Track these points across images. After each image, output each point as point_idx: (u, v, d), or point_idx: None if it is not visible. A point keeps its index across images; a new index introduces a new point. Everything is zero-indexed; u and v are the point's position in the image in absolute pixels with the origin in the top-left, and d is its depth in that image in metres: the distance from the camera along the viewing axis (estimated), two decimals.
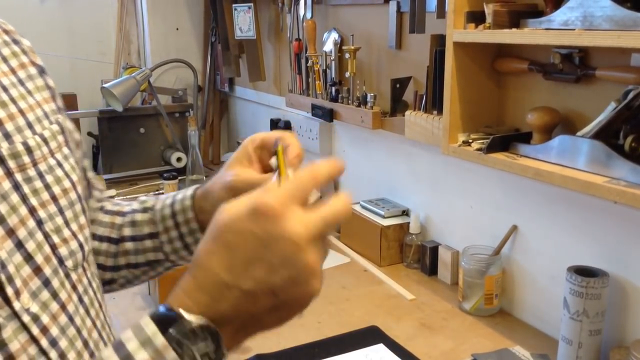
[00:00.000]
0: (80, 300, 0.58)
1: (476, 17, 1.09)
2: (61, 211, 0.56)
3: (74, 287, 0.57)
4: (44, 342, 0.51)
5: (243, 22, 2.12)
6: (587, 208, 1.08)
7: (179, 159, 2.30)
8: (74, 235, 0.58)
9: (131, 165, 2.31)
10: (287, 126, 2.05)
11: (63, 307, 0.54)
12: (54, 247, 0.55)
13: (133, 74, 2.18)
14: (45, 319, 0.52)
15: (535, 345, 1.14)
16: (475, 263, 1.25)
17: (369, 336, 1.18)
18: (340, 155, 1.86)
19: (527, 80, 1.15)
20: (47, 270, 0.54)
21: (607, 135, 0.95)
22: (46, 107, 0.59)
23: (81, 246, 0.59)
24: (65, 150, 0.59)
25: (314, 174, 0.50)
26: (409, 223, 1.51)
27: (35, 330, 0.51)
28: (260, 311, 0.47)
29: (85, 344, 0.57)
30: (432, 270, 1.45)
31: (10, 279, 0.49)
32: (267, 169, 0.68)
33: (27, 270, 0.51)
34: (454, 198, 1.41)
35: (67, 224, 0.57)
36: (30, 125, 0.55)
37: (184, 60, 2.42)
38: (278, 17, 2.03)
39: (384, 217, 1.53)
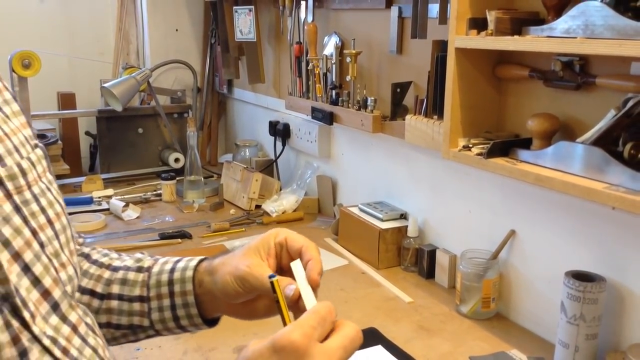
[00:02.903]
0: (86, 323, 0.57)
1: (478, 24, 1.10)
2: (57, 235, 0.54)
3: (77, 311, 0.56)
4: None
5: (243, 25, 2.13)
6: (585, 214, 1.10)
7: (176, 160, 2.30)
8: (69, 260, 0.55)
9: (129, 165, 2.31)
10: (286, 128, 2.06)
11: (74, 329, 0.54)
12: (57, 270, 0.53)
13: (133, 74, 2.18)
14: (62, 341, 0.51)
15: (532, 348, 1.15)
16: (473, 267, 1.26)
17: (368, 338, 1.18)
18: (339, 159, 1.87)
19: (528, 87, 1.16)
20: (56, 294, 0.52)
21: (606, 142, 0.97)
22: (25, 132, 0.56)
23: (75, 272, 0.57)
24: (49, 175, 0.57)
25: (331, 310, 0.53)
26: (407, 226, 1.52)
27: (57, 353, 0.50)
28: None
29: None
30: (429, 273, 1.46)
31: (24, 304, 0.48)
32: (281, 268, 0.68)
33: (35, 294, 0.50)
34: (452, 202, 1.43)
35: (62, 248, 0.54)
36: (17, 149, 0.53)
37: (184, 62, 2.43)
38: (278, 20, 2.04)
39: (382, 220, 1.54)
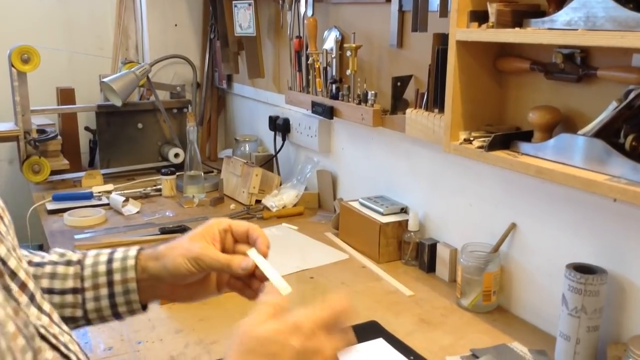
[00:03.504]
0: (56, 313, 0.59)
1: (479, 16, 1.10)
2: (8, 230, 0.56)
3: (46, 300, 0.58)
4: (63, 349, 0.55)
5: (243, 19, 2.12)
6: (586, 206, 1.10)
7: (176, 155, 2.30)
8: (21, 254, 0.58)
9: (129, 160, 2.31)
10: (286, 123, 2.06)
11: (50, 318, 0.56)
12: (19, 262, 0.55)
13: (132, 69, 2.18)
14: (50, 332, 0.54)
15: (533, 341, 1.15)
16: (474, 260, 1.27)
17: (369, 331, 1.19)
18: (339, 153, 1.87)
19: (529, 80, 1.16)
20: (31, 285, 0.54)
21: (607, 134, 0.97)
22: None
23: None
24: None
25: (340, 309, 0.62)
26: (407, 220, 1.52)
27: (54, 342, 0.54)
28: None
29: (79, 347, 0.60)
30: (430, 267, 1.46)
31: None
32: (225, 252, 0.75)
33: (14, 286, 0.52)
34: (453, 196, 1.43)
35: (16, 243, 0.57)
36: None
37: (184, 57, 2.42)
38: (278, 14, 2.04)
39: (382, 214, 1.54)
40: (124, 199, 1.91)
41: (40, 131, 2.17)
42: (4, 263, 0.51)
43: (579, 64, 1.04)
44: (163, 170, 2.06)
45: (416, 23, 1.35)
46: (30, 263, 0.73)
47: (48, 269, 0.73)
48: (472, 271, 1.26)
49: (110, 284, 0.74)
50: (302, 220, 1.83)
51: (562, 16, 0.97)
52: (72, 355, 0.55)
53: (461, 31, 1.11)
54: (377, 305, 1.30)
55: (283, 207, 1.88)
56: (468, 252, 1.28)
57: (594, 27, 0.91)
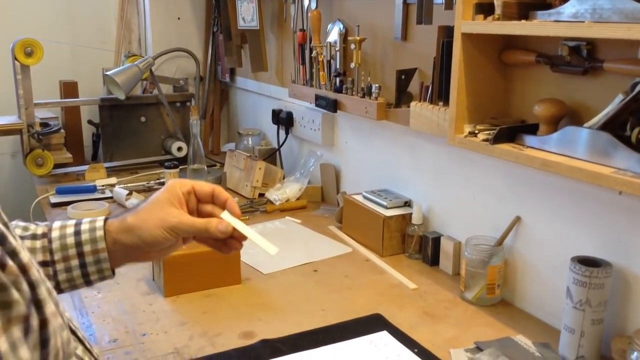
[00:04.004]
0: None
1: (485, 9, 1.10)
2: None
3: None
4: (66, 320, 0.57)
5: (246, 12, 2.12)
6: (591, 199, 1.10)
7: (179, 149, 2.30)
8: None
9: (132, 153, 2.31)
10: (289, 117, 2.06)
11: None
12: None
13: (136, 63, 2.18)
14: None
15: (537, 334, 1.15)
16: (478, 253, 1.27)
17: (373, 323, 1.19)
18: (343, 147, 1.87)
19: (534, 72, 1.16)
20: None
21: (614, 126, 0.96)
22: None
23: None
24: None
25: None
26: (411, 214, 1.52)
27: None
28: None
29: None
30: (433, 260, 1.46)
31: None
32: (190, 212, 0.79)
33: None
34: (457, 189, 1.43)
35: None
36: None
37: (187, 50, 2.42)
38: (282, 7, 2.03)
39: (386, 207, 1.54)
40: (127, 192, 1.91)
41: (44, 124, 2.17)
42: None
43: (585, 57, 1.04)
44: (166, 164, 2.06)
45: (421, 15, 1.34)
46: None
47: None
48: (476, 264, 1.26)
49: (80, 255, 0.77)
50: (306, 214, 1.83)
51: (568, 8, 0.96)
52: (79, 334, 0.60)
53: (467, 23, 1.10)
54: (381, 298, 1.31)
55: (286, 201, 1.88)
56: (472, 246, 1.28)
57: (601, 19, 0.90)
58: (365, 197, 1.62)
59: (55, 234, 0.77)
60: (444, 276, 1.42)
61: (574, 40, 1.04)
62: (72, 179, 2.15)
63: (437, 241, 1.46)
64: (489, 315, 1.23)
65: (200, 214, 0.80)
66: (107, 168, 2.19)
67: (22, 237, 0.76)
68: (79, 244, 0.77)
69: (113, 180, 2.08)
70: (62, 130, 2.20)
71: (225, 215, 0.78)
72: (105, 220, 0.79)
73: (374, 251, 1.54)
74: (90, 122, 2.50)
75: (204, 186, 0.80)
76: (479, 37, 1.12)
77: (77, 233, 0.77)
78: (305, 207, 1.88)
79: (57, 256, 0.76)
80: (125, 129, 2.30)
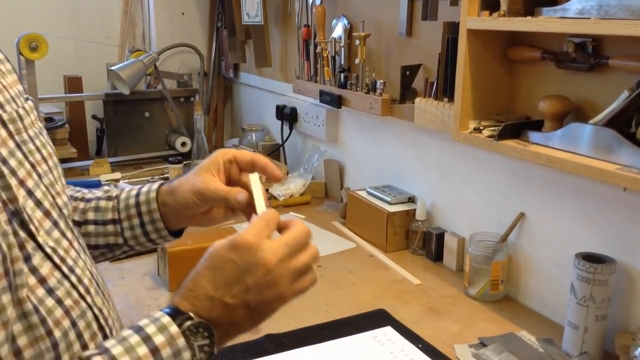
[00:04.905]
0: (79, 242, 0.68)
1: (490, 5, 1.10)
2: (50, 170, 0.65)
3: (73, 231, 0.67)
4: (65, 269, 0.61)
5: (251, 8, 2.12)
6: (595, 196, 1.10)
7: (183, 144, 2.30)
8: (63, 190, 0.67)
9: (136, 149, 2.32)
10: (293, 112, 2.06)
11: (71, 244, 0.65)
12: (54, 197, 0.64)
13: (140, 58, 2.18)
14: (60, 251, 0.62)
15: (541, 330, 1.16)
16: (482, 249, 1.27)
17: (377, 319, 1.19)
18: (347, 143, 1.87)
19: (539, 69, 1.16)
20: (54, 214, 0.63)
21: (619, 123, 0.97)
22: (17, 87, 0.66)
23: (69, 200, 0.69)
24: (39, 123, 0.67)
25: (276, 214, 0.67)
26: (415, 210, 1.52)
27: (56, 259, 0.60)
28: (238, 319, 0.63)
29: (92, 275, 0.67)
30: (437, 256, 1.47)
31: (30, 219, 0.58)
32: (230, 181, 0.80)
33: (39, 213, 0.60)
34: (461, 185, 1.43)
35: (56, 181, 0.66)
36: (13, 99, 0.63)
37: (192, 45, 2.42)
38: (286, 2, 2.03)
39: (390, 203, 1.55)
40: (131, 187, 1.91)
41: (48, 119, 2.17)
42: (31, 193, 0.60)
43: (590, 53, 1.04)
44: (170, 159, 2.06)
45: (426, 11, 1.34)
46: (82, 199, 0.85)
47: (93, 203, 0.84)
48: (480, 260, 1.27)
49: (139, 214, 0.83)
50: (309, 210, 1.84)
51: (574, 5, 0.96)
52: (73, 278, 0.62)
53: (472, 19, 1.10)
54: (385, 293, 1.31)
55: (290, 196, 1.88)
56: (476, 242, 1.28)
57: (607, 16, 0.91)
58: (369, 193, 1.63)
59: (123, 195, 0.85)
60: (448, 272, 1.42)
61: (580, 37, 1.04)
62: (76, 173, 2.15)
63: (441, 237, 1.46)
64: (492, 311, 1.24)
65: (241, 183, 0.81)
66: (111, 163, 2.19)
67: (100, 198, 0.84)
68: (137, 204, 0.83)
69: (117, 175, 2.09)
70: (67, 125, 2.21)
71: (254, 177, 0.76)
72: (162, 184, 0.85)
73: (378, 247, 1.54)
74: (94, 117, 2.50)
75: (244, 155, 0.81)
76: (485, 33, 1.12)
77: (138, 195, 0.84)
78: (309, 202, 1.89)
79: (122, 215, 0.84)
80: (130, 124, 2.30)
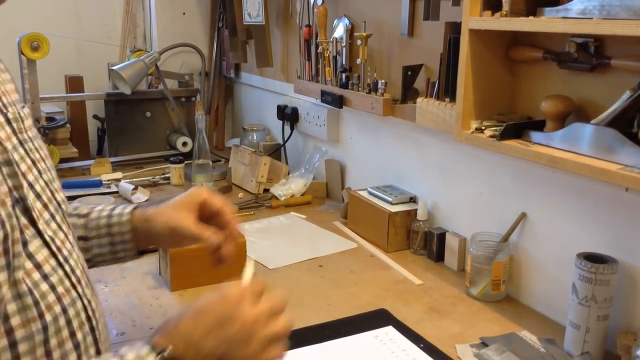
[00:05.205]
0: (73, 236, 0.72)
1: (492, 5, 1.10)
2: (48, 169, 0.70)
3: (69, 226, 0.72)
4: (60, 257, 0.65)
5: (252, 8, 2.12)
6: (597, 196, 1.10)
7: (184, 144, 2.31)
8: (59, 188, 0.72)
9: (137, 148, 2.32)
10: (294, 112, 2.06)
11: (66, 237, 0.68)
12: (52, 192, 0.69)
13: (141, 57, 2.18)
14: (57, 241, 0.66)
15: (542, 330, 1.16)
16: (484, 249, 1.27)
17: (378, 318, 1.19)
18: (348, 143, 1.87)
19: (541, 69, 1.16)
20: (51, 208, 0.67)
21: (621, 123, 0.97)
22: (14, 95, 0.70)
23: (64, 198, 0.73)
24: (34, 129, 0.71)
25: (263, 285, 0.73)
26: (416, 210, 1.52)
27: (53, 247, 0.64)
28: None
29: (83, 268, 0.71)
30: (438, 256, 1.47)
31: (32, 207, 0.62)
32: (202, 219, 0.89)
33: (39, 205, 0.65)
34: (462, 185, 1.43)
35: (53, 179, 0.71)
36: (13, 104, 0.68)
37: (193, 45, 2.42)
38: (287, 2, 2.04)
39: (391, 203, 1.55)
40: (133, 187, 1.92)
41: (50, 119, 2.18)
42: (31, 186, 0.65)
43: (592, 53, 1.04)
44: (171, 159, 2.06)
45: (428, 11, 1.34)
46: None
47: None
48: (482, 260, 1.27)
49: (110, 234, 0.90)
50: (310, 210, 1.84)
51: (576, 5, 0.96)
52: (67, 267, 0.65)
53: (474, 19, 1.11)
54: (386, 293, 1.31)
55: (291, 196, 1.88)
56: (478, 242, 1.28)
57: (609, 16, 0.91)
58: (370, 193, 1.63)
59: (94, 214, 0.91)
60: (449, 272, 1.42)
61: (582, 37, 1.04)
62: (77, 173, 2.16)
63: (442, 237, 1.46)
64: (494, 311, 1.24)
65: (212, 222, 0.90)
66: (112, 163, 2.19)
67: (70, 215, 0.85)
68: (109, 225, 0.90)
69: (118, 175, 2.09)
70: (68, 125, 2.21)
71: (248, 267, 0.80)
72: (135, 208, 0.92)
73: (379, 247, 1.54)
74: (95, 116, 2.50)
75: (214, 203, 0.90)
76: (487, 33, 1.12)
77: (110, 216, 0.90)
78: (310, 202, 1.89)
79: (92, 233, 0.90)
80: (131, 123, 2.31)
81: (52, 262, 0.63)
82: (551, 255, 1.21)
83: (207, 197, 0.90)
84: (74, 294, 0.65)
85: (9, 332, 0.57)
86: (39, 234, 0.62)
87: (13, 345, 0.57)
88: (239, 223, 0.91)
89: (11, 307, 0.57)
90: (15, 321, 0.57)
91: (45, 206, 0.66)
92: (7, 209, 0.56)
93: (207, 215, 0.90)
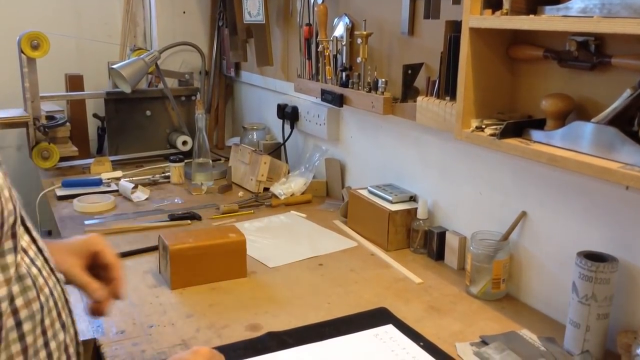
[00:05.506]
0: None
1: (492, 3, 1.10)
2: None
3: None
4: (39, 244, 0.68)
5: (252, 7, 2.12)
6: (597, 194, 1.10)
7: (184, 143, 2.30)
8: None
9: (137, 147, 2.32)
10: (295, 111, 2.06)
11: (37, 232, 0.71)
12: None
13: (142, 56, 2.18)
14: (33, 232, 0.68)
15: (542, 328, 1.16)
16: (484, 248, 1.27)
17: (378, 317, 1.19)
18: (348, 141, 1.87)
19: (542, 68, 1.16)
20: (23, 213, 0.67)
21: (621, 122, 0.97)
22: None
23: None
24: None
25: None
26: (416, 209, 1.52)
27: (33, 234, 0.68)
28: None
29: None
30: (438, 255, 1.47)
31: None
32: (93, 267, 0.91)
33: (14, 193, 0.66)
34: (463, 184, 1.43)
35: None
36: None
37: (193, 44, 2.42)
38: (287, 1, 2.03)
39: (392, 202, 1.55)
40: (133, 185, 1.92)
41: (50, 117, 2.18)
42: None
43: (593, 52, 1.04)
44: (171, 158, 2.06)
45: (428, 10, 1.34)
46: None
47: None
48: (482, 259, 1.27)
49: None
50: (310, 208, 1.84)
51: (577, 3, 0.96)
52: (46, 253, 0.69)
53: (475, 18, 1.10)
54: (386, 292, 1.31)
55: (291, 195, 1.88)
56: (478, 240, 1.28)
57: (610, 14, 0.90)
58: (370, 192, 1.63)
59: None
60: (449, 271, 1.42)
61: (582, 36, 1.04)
62: (77, 172, 2.16)
63: (442, 236, 1.46)
64: (494, 310, 1.24)
65: (100, 274, 0.92)
66: (112, 161, 2.19)
67: None
68: None
69: (118, 173, 2.09)
70: (68, 124, 2.21)
71: None
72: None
73: (379, 246, 1.54)
74: (95, 115, 2.50)
75: (106, 257, 0.91)
76: (487, 32, 1.12)
77: None
78: (310, 201, 1.89)
79: None
80: (131, 122, 2.31)
81: (34, 247, 0.66)
82: (551, 253, 1.21)
83: (102, 249, 0.91)
84: (53, 277, 0.68)
85: (15, 312, 0.59)
86: (21, 219, 0.64)
87: (19, 324, 0.60)
88: (124, 283, 0.92)
89: (15, 289, 0.59)
90: (19, 302, 0.60)
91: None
92: (12, 192, 0.58)
93: (97, 265, 0.91)
